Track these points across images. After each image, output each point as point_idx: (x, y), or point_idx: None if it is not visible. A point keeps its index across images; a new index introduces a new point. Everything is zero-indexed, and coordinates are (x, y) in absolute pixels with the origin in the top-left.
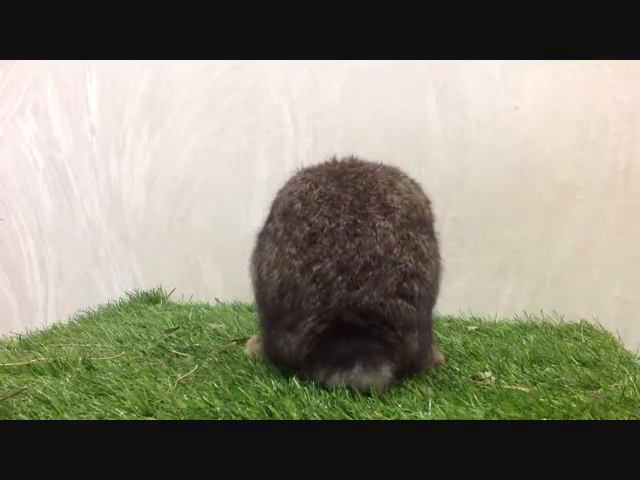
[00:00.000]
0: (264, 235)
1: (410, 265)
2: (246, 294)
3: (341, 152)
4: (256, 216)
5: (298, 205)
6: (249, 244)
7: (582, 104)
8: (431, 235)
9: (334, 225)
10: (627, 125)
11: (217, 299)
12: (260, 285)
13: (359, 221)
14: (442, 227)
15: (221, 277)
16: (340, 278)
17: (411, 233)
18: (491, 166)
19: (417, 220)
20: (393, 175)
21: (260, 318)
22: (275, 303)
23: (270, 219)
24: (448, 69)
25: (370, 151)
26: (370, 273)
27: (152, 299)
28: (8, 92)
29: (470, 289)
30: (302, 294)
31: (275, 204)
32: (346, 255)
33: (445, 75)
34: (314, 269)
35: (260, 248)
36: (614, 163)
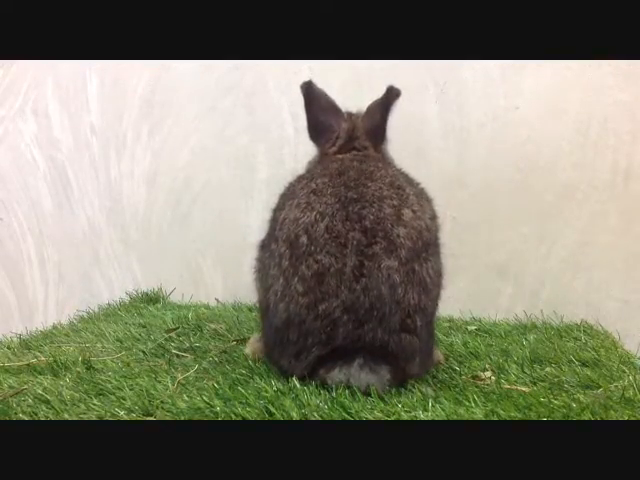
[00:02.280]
0: (267, 251)
1: (413, 302)
2: (246, 294)
3: None
4: (256, 216)
5: (303, 239)
6: (249, 244)
7: (582, 104)
8: (435, 253)
9: (341, 265)
10: (627, 125)
11: (217, 299)
12: (266, 307)
13: (365, 262)
14: (442, 227)
15: (221, 277)
16: (346, 317)
17: (416, 266)
18: (491, 166)
19: (422, 247)
20: (399, 196)
21: (263, 333)
22: (280, 332)
23: (274, 238)
24: (448, 69)
25: None
26: (375, 313)
27: (152, 299)
28: (8, 92)
29: (470, 289)
30: (307, 330)
31: (278, 224)
32: (352, 296)
33: (445, 75)
34: (320, 308)
35: (263, 265)
36: (614, 163)
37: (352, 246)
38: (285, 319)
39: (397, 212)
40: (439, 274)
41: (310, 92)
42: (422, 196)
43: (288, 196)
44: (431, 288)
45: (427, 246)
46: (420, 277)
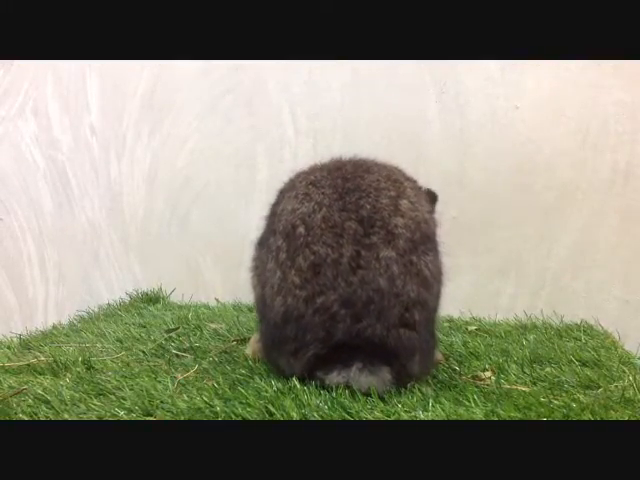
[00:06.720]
0: (264, 247)
1: (412, 295)
2: (246, 294)
3: (341, 152)
4: (256, 216)
5: (301, 230)
6: (249, 244)
7: (582, 104)
8: (434, 248)
9: (337, 256)
10: (627, 125)
11: (217, 299)
12: (263, 304)
13: (363, 253)
14: (442, 227)
15: (221, 277)
16: (344, 312)
17: (414, 258)
18: (491, 166)
19: (420, 239)
20: (396, 188)
21: (261, 332)
22: (278, 329)
23: (271, 232)
24: (448, 69)
25: (370, 151)
26: (372, 307)
27: (152, 299)
28: (8, 92)
29: (470, 289)
30: (306, 325)
31: (277, 217)
32: (349, 289)
33: (445, 75)
34: (318, 301)
35: (261, 262)
36: (614, 163)
37: (348, 235)
38: (283, 314)
39: (394, 202)
40: (439, 271)
41: None
42: (419, 191)
43: (287, 189)
44: (432, 282)
45: (425, 239)
46: (418, 269)
